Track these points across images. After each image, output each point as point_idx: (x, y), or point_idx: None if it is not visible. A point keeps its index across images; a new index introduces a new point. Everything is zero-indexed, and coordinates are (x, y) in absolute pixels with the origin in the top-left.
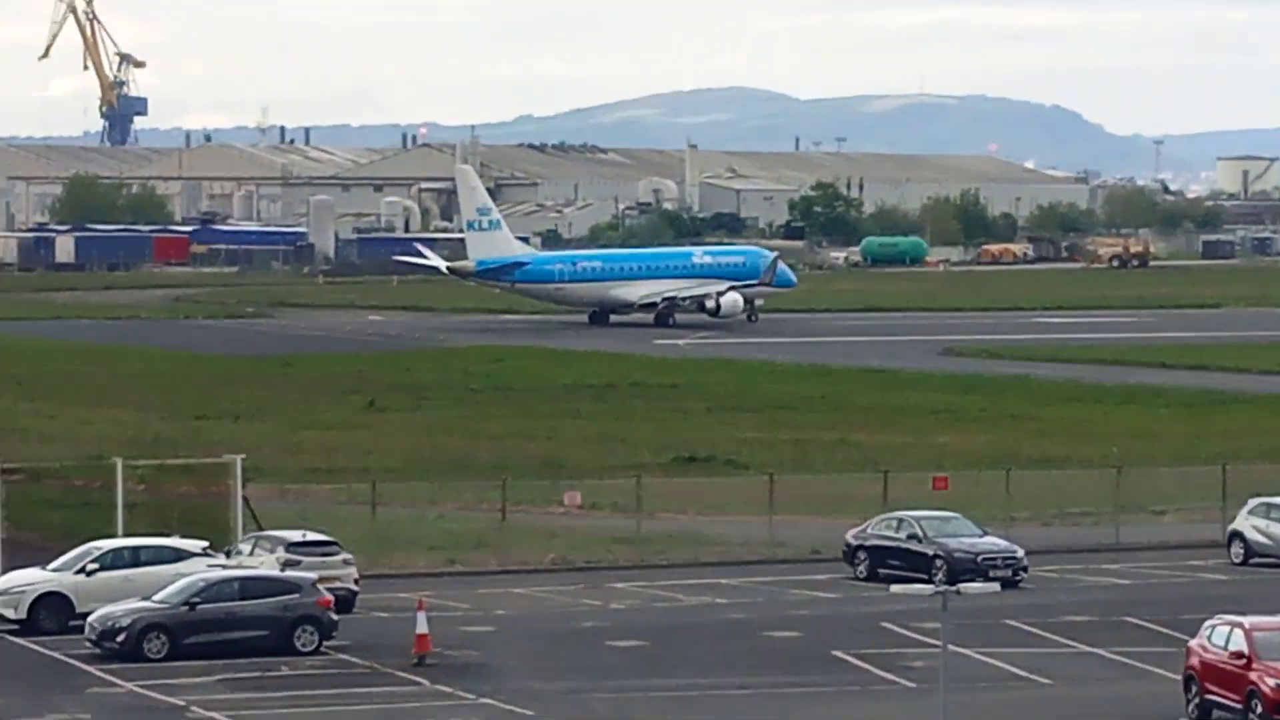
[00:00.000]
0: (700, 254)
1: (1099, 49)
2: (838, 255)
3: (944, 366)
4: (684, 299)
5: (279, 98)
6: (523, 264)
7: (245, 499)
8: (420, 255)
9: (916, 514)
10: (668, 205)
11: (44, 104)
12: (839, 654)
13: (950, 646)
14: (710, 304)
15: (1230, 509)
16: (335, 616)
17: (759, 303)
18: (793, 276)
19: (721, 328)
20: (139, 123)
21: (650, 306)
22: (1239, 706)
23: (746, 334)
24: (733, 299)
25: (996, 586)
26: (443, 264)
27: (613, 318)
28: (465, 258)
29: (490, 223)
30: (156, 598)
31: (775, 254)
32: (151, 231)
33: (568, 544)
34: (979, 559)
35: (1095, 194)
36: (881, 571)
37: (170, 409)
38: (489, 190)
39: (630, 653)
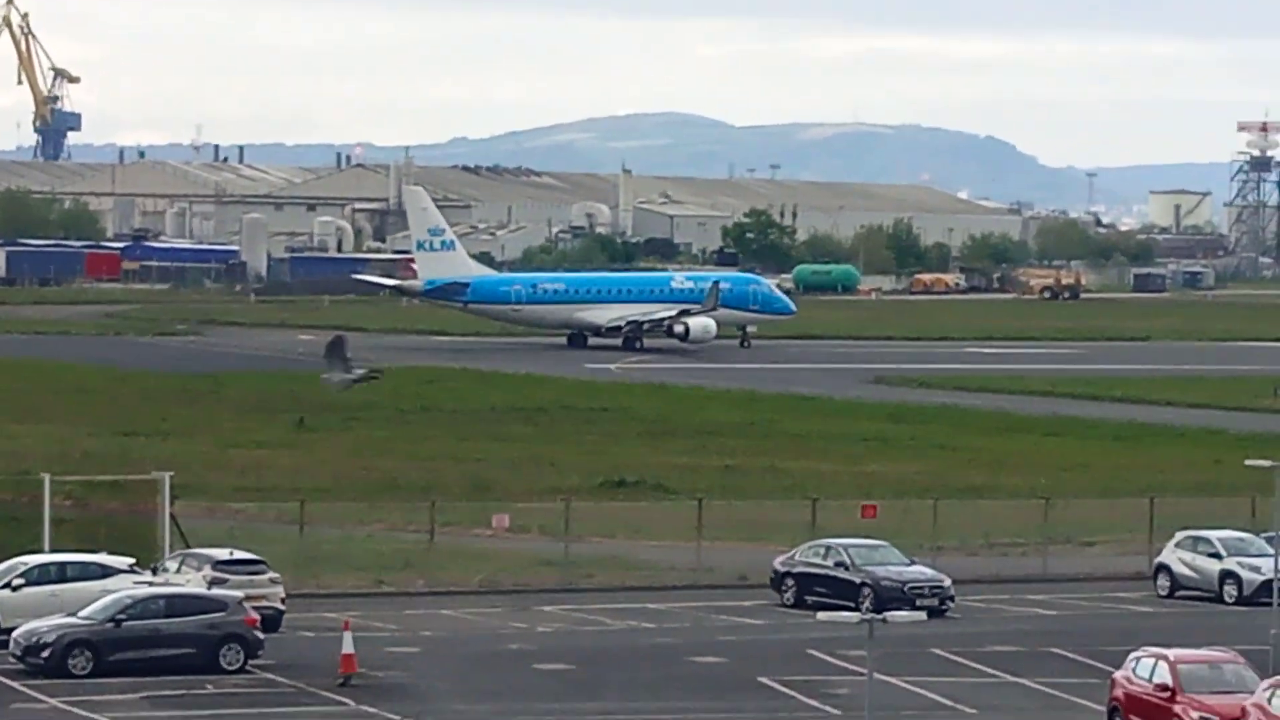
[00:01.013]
0: (681, 279)
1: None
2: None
3: (874, 395)
4: (647, 324)
5: (213, 116)
6: (468, 284)
7: (173, 516)
8: (370, 277)
9: (844, 542)
10: (601, 229)
11: None
12: (765, 680)
13: (876, 675)
14: (678, 329)
15: (1157, 541)
16: (261, 635)
17: (751, 329)
18: (790, 304)
19: (686, 353)
20: (72, 138)
21: (616, 330)
22: None
23: (679, 360)
24: (702, 324)
25: (923, 615)
26: (390, 283)
27: (591, 340)
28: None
29: (443, 243)
30: (82, 614)
31: (717, 281)
32: (84, 247)
33: (495, 566)
34: (906, 587)
35: (1028, 225)
36: (808, 598)
37: (99, 425)
38: None
39: (556, 676)
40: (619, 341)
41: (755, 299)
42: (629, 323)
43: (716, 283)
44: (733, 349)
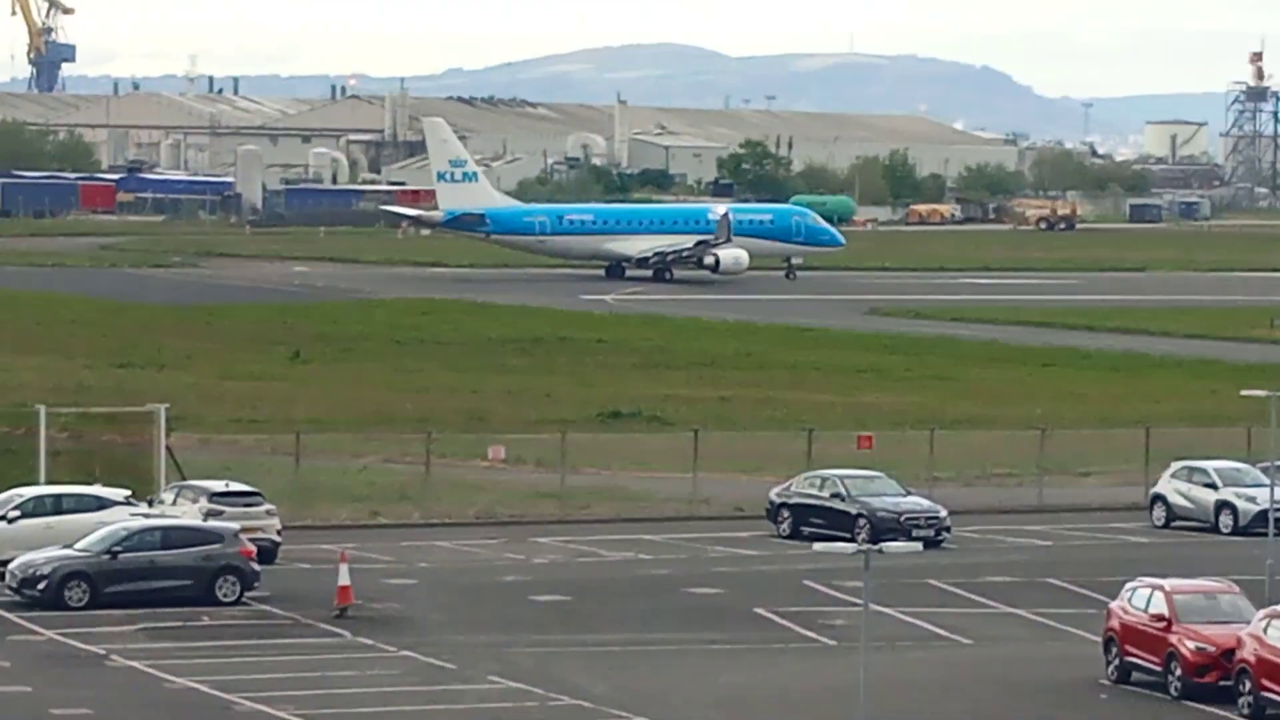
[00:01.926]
0: (719, 210)
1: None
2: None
3: (870, 326)
4: (672, 255)
5: (208, 47)
6: (484, 215)
7: (168, 448)
8: (394, 208)
9: (840, 473)
10: (596, 161)
11: None
12: (761, 611)
13: (872, 605)
14: (708, 260)
15: (1153, 472)
16: (257, 567)
17: (797, 261)
18: (838, 236)
19: (722, 284)
20: (67, 70)
21: (646, 262)
22: (1158, 669)
23: (675, 291)
24: (733, 255)
25: (919, 546)
26: (412, 213)
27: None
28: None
29: (466, 174)
30: (78, 546)
31: (726, 210)
32: (78, 179)
33: (491, 498)
34: (902, 518)
35: (1023, 156)
36: (804, 530)
37: (94, 357)
38: (417, 143)
39: (552, 607)
40: (650, 273)
41: (799, 230)
42: (656, 254)
43: (728, 212)
44: (763, 280)
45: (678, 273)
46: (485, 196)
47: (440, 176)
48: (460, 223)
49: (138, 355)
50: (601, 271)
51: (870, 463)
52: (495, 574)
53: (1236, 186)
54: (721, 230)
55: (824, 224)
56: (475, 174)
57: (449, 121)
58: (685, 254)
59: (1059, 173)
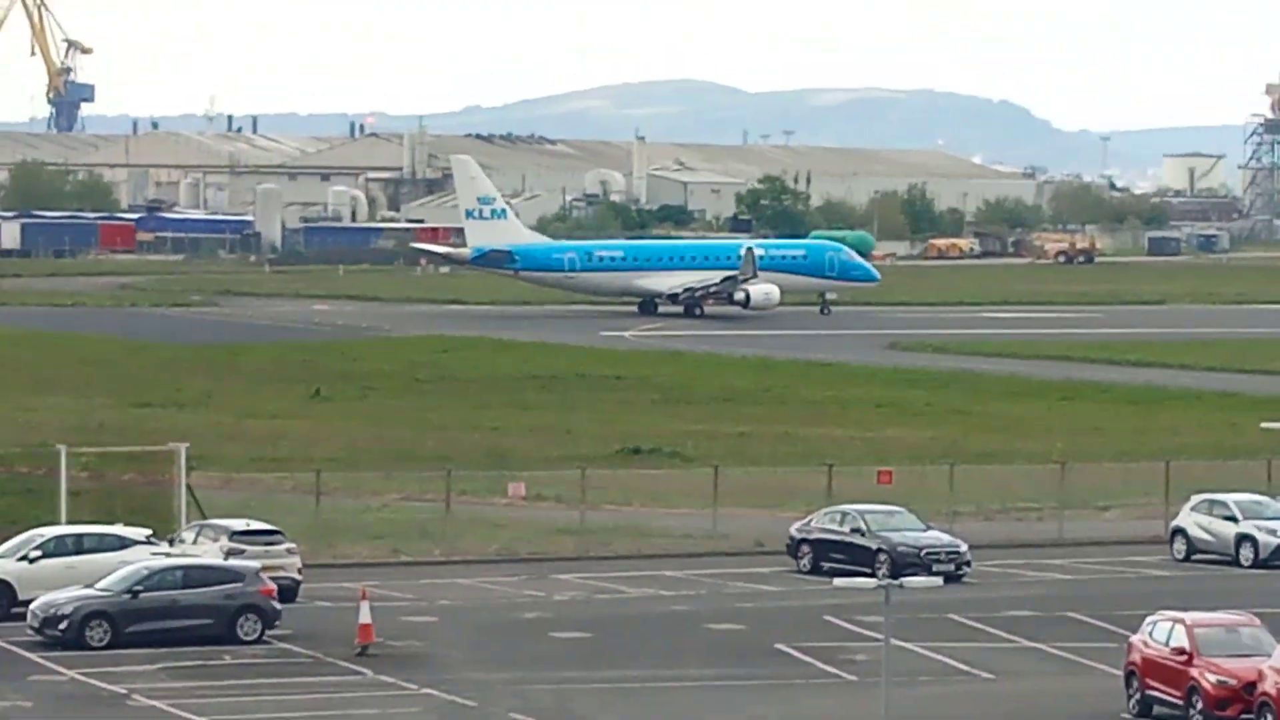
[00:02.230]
0: (753, 247)
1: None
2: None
3: (889, 360)
4: (700, 292)
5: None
6: (511, 252)
7: (189, 487)
8: (423, 245)
9: (860, 508)
10: (615, 197)
11: None
12: (782, 647)
13: (893, 640)
14: (739, 296)
15: (1173, 505)
16: (278, 606)
17: (831, 296)
18: (872, 271)
19: (751, 320)
20: (86, 109)
21: (674, 298)
22: (1180, 702)
23: (695, 326)
24: (764, 291)
25: (939, 581)
26: (441, 250)
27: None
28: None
29: (495, 211)
30: (99, 585)
31: (750, 246)
32: (98, 218)
33: (512, 535)
34: (922, 553)
35: (1042, 189)
36: (825, 565)
37: (115, 397)
38: (434, 181)
39: (573, 644)
40: (681, 309)
41: (832, 266)
42: (685, 290)
43: (750, 249)
44: (797, 316)
45: (708, 309)
46: (514, 233)
47: (469, 214)
48: (488, 259)
49: (158, 394)
50: (634, 308)
51: (890, 497)
52: (516, 611)
53: (1255, 219)
54: (747, 266)
55: (858, 259)
56: (504, 211)
57: None
58: (713, 290)
59: (1077, 206)
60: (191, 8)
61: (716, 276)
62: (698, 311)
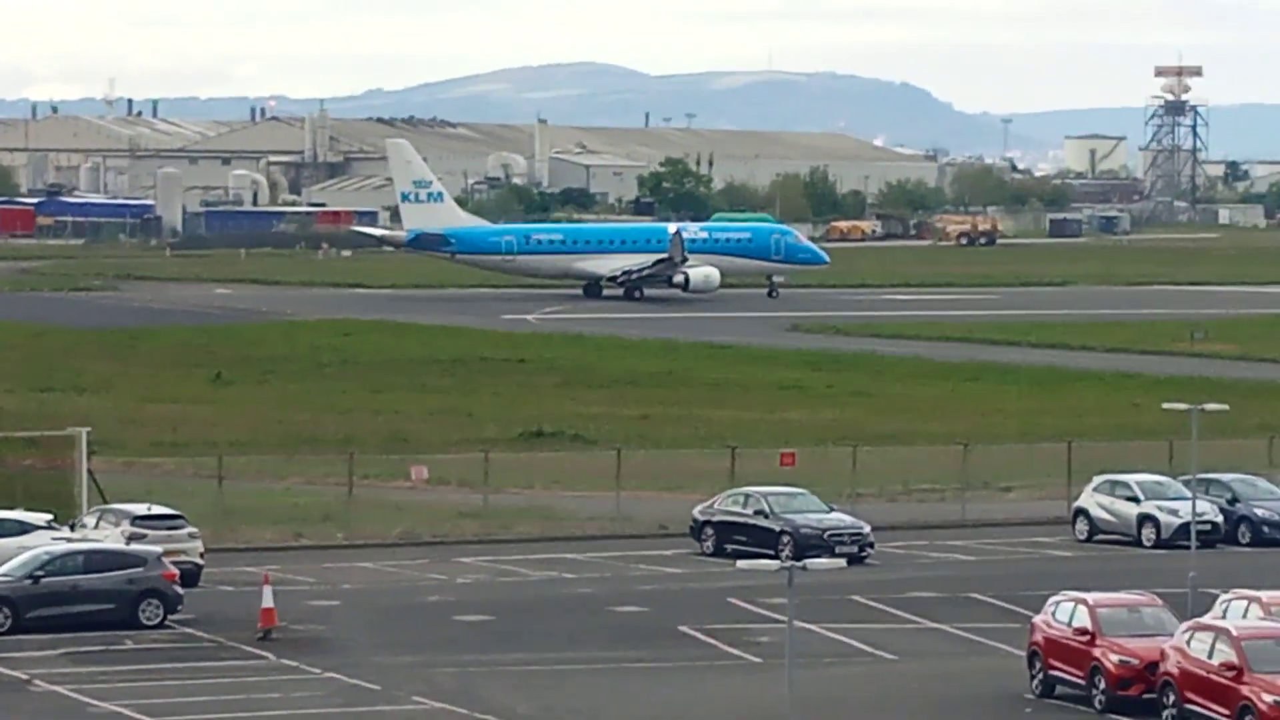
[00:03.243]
0: (696, 229)
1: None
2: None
3: (791, 343)
4: (636, 275)
5: (126, 70)
6: (445, 235)
7: (90, 472)
8: (362, 228)
9: (763, 490)
10: (517, 180)
11: None
12: (686, 629)
13: (796, 622)
14: (678, 279)
15: (1075, 486)
16: (181, 590)
17: (779, 279)
18: (820, 254)
19: (686, 303)
20: None
21: (614, 280)
22: (1082, 682)
23: (596, 310)
24: (703, 274)
25: (843, 562)
26: (378, 234)
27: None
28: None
29: (430, 195)
30: (0, 571)
31: (680, 228)
32: None
33: (414, 518)
34: (825, 535)
35: (944, 172)
36: (728, 547)
37: (15, 381)
38: (336, 165)
39: (477, 627)
40: (621, 292)
41: (778, 248)
42: (624, 273)
43: (678, 232)
44: (742, 298)
45: (649, 291)
46: (450, 216)
47: (404, 197)
48: (424, 242)
49: (59, 379)
50: (579, 291)
51: (793, 479)
52: (419, 594)
53: (1156, 201)
54: (675, 248)
55: (805, 242)
56: (440, 194)
57: (368, 142)
58: (647, 273)
59: (979, 188)
60: None
61: (653, 260)
62: (637, 294)
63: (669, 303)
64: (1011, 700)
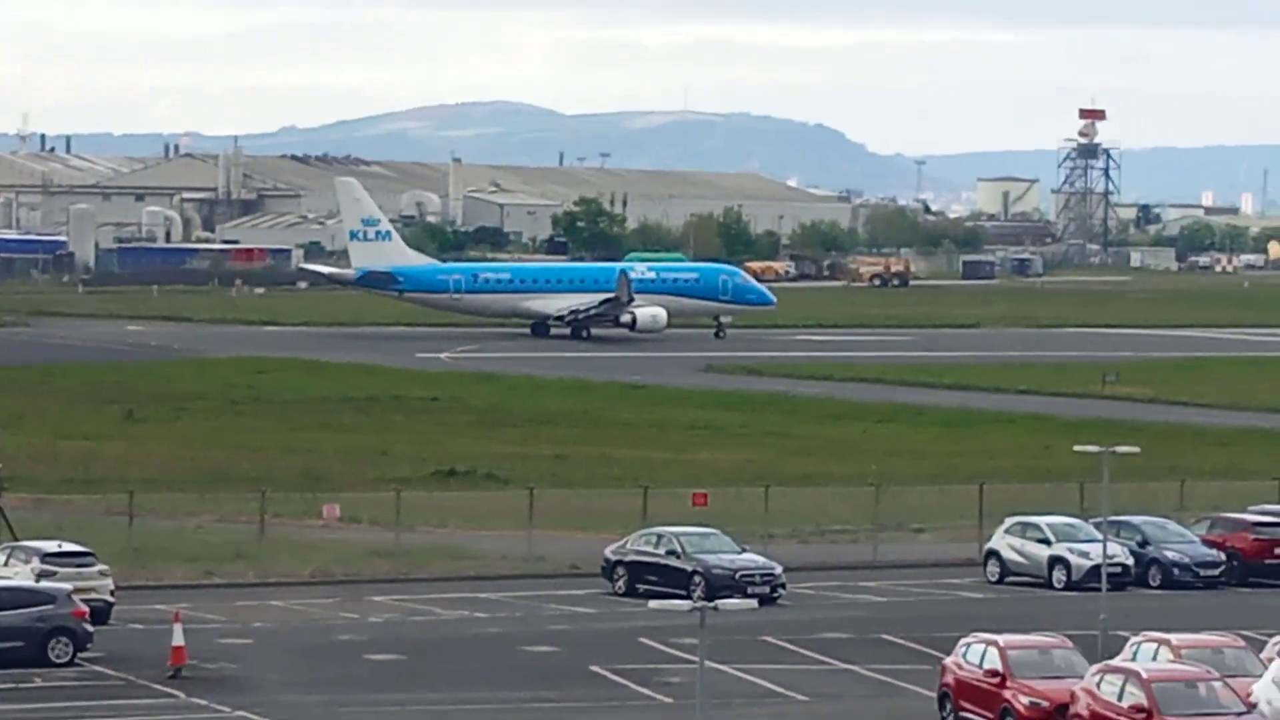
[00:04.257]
0: (644, 269)
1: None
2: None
3: (704, 383)
4: (584, 315)
5: (40, 104)
6: (392, 273)
7: (0, 509)
8: (311, 266)
9: (675, 530)
10: (431, 218)
11: None
12: (597, 669)
13: (708, 662)
14: (625, 318)
15: (987, 528)
16: (91, 628)
17: (726, 319)
18: (767, 294)
19: (634, 342)
20: None
21: (560, 319)
22: None
23: (512, 349)
24: (650, 313)
25: (754, 603)
26: (326, 271)
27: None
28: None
29: (379, 233)
30: None
31: (625, 269)
32: None
33: (327, 557)
34: (737, 575)
35: (857, 213)
36: (640, 587)
37: None
38: (250, 202)
39: (388, 666)
40: (568, 331)
41: (725, 289)
42: (571, 312)
43: (624, 272)
44: (690, 338)
45: (596, 331)
46: (398, 255)
47: (353, 235)
48: (372, 280)
49: None
50: (527, 329)
51: (706, 520)
52: (330, 633)
53: (1068, 243)
54: (622, 289)
55: (752, 282)
56: (389, 233)
57: (282, 180)
58: (594, 312)
59: (892, 230)
60: (3, 25)
61: (600, 299)
62: (585, 334)
63: (613, 343)
64: None
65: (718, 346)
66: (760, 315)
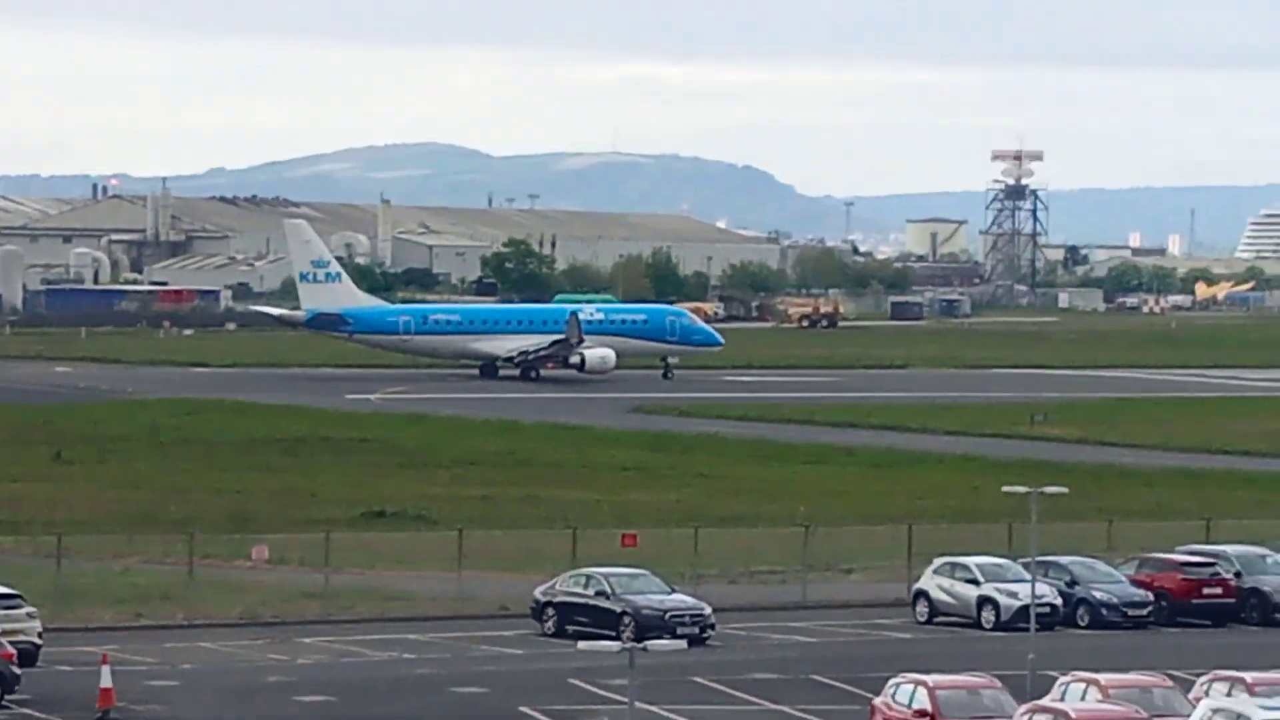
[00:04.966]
0: (592, 311)
1: (792, 110)
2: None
3: (634, 424)
4: (533, 356)
5: None
6: (342, 315)
7: None
8: (260, 308)
9: (605, 571)
10: (360, 260)
11: None
12: (526, 710)
13: (637, 703)
14: (574, 360)
15: (916, 568)
16: (18, 670)
17: (674, 360)
18: (714, 335)
19: (582, 383)
20: None
21: (510, 361)
22: None
23: (440, 389)
24: (599, 355)
25: (684, 644)
26: (276, 313)
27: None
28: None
29: (329, 275)
30: None
31: (574, 310)
32: None
33: (255, 598)
34: (666, 616)
35: (786, 254)
36: (569, 628)
37: None
38: (178, 244)
39: (317, 709)
40: (518, 373)
41: (674, 330)
42: (520, 353)
43: (574, 314)
44: (636, 379)
45: (545, 372)
46: (348, 297)
47: (303, 277)
48: (322, 322)
49: None
50: (475, 371)
51: (635, 560)
52: (259, 675)
53: (996, 284)
54: (572, 330)
55: (700, 324)
56: (338, 274)
57: (211, 221)
58: (544, 353)
59: (821, 271)
60: None
61: (550, 340)
62: (534, 375)
63: (561, 383)
64: None
65: (663, 387)
66: (707, 356)
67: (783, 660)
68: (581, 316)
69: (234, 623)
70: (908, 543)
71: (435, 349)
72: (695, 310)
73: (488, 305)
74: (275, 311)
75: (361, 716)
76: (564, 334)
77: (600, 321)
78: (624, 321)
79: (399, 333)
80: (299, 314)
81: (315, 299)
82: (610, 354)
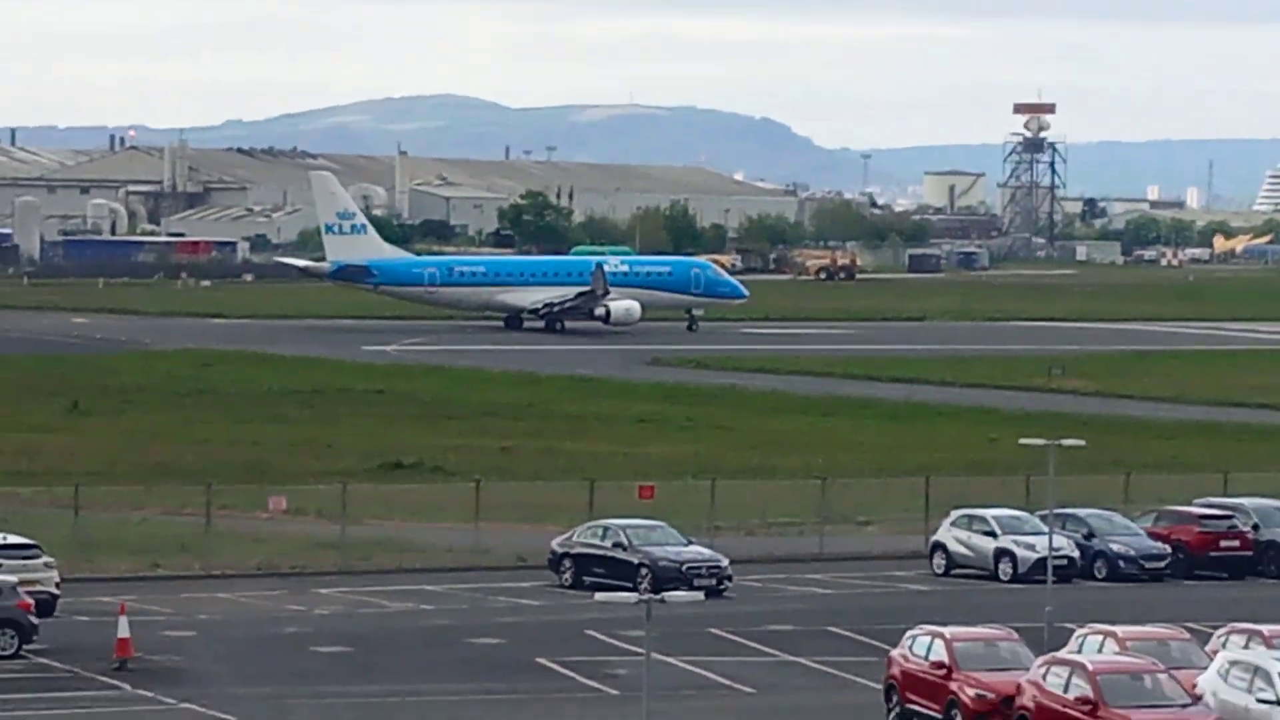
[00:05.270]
0: (617, 263)
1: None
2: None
3: (651, 376)
4: (558, 307)
5: None
6: (367, 267)
7: None
8: (285, 259)
9: (622, 522)
10: (377, 212)
11: None
12: (543, 661)
13: (654, 655)
14: (599, 311)
15: (933, 520)
16: (36, 620)
17: (699, 312)
18: (739, 287)
19: (607, 335)
20: None
21: (535, 313)
22: (939, 716)
23: (458, 341)
24: (624, 306)
25: (701, 595)
26: (301, 264)
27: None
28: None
29: (354, 227)
30: None
31: (600, 262)
32: None
33: (272, 549)
34: (684, 568)
35: (803, 206)
36: (586, 579)
37: None
38: (195, 195)
39: (334, 659)
40: (542, 324)
41: (698, 282)
42: (545, 305)
43: (599, 265)
44: (662, 330)
45: (570, 324)
46: (373, 248)
47: (328, 229)
48: (347, 274)
49: None
50: (500, 323)
51: (652, 512)
52: (276, 625)
53: (1014, 236)
54: (597, 282)
55: (725, 276)
56: (364, 226)
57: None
58: (569, 305)
59: (839, 223)
60: None
61: (575, 292)
62: (559, 327)
63: (588, 335)
64: None
65: (684, 339)
66: (725, 309)
67: (799, 612)
68: (607, 269)
69: (251, 573)
70: (925, 495)
71: (460, 300)
72: (713, 262)
73: (513, 257)
74: (300, 263)
75: (378, 667)
76: (589, 286)
77: (625, 274)
78: (649, 274)
79: (424, 284)
80: (324, 265)
81: (340, 251)
82: (635, 306)
